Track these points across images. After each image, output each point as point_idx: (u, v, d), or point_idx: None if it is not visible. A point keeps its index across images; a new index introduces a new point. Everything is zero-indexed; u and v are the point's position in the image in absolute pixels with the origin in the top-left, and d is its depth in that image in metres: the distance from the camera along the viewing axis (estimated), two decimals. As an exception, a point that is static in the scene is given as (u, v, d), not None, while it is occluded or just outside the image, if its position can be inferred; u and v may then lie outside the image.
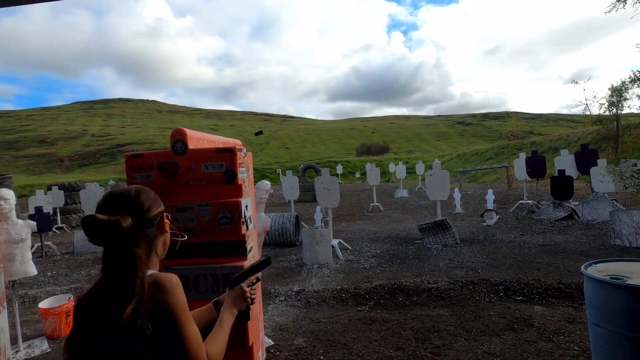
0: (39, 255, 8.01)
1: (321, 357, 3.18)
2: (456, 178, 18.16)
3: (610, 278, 2.06)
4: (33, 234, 3.82)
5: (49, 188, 11.83)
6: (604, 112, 17.91)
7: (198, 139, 2.12)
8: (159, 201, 1.10)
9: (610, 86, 17.31)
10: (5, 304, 3.06)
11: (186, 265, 2.00)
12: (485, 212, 8.64)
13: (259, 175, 26.38)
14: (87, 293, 0.98)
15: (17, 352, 3.51)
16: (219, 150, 1.95)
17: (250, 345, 2.01)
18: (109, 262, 0.97)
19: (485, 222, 8.35)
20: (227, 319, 1.16)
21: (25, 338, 3.88)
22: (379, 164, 24.69)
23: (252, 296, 1.25)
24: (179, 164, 1.96)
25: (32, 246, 6.15)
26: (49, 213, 8.08)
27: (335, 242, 6.56)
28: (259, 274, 1.24)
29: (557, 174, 8.63)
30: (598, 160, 8.35)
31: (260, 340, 2.38)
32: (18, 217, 3.79)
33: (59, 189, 11.28)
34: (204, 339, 1.04)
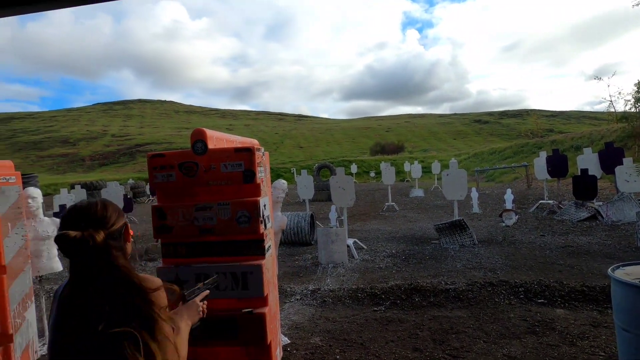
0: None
1: (337, 357, 3.18)
2: (473, 177, 17.83)
3: (640, 281, 1.99)
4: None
5: (72, 187, 12.23)
6: (630, 109, 17.23)
7: (217, 138, 2.14)
8: (122, 212, 1.16)
9: (637, 82, 16.64)
10: (33, 299, 3.18)
11: (206, 263, 2.03)
12: (503, 212, 8.45)
13: (274, 174, 26.57)
14: (74, 296, 1.02)
15: (44, 344, 3.65)
16: (238, 150, 1.97)
17: (268, 343, 2.03)
18: (84, 271, 1.02)
19: (504, 222, 8.17)
20: (184, 330, 1.23)
21: (52, 331, 4.02)
22: (394, 163, 24.45)
23: (205, 310, 1.33)
24: (199, 163, 1.99)
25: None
26: (72, 211, 8.32)
27: (350, 241, 6.55)
28: (208, 291, 1.35)
29: (579, 173, 8.36)
30: (624, 159, 8.04)
31: (277, 338, 2.40)
32: (44, 215, 3.93)
33: (82, 187, 11.65)
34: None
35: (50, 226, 3.72)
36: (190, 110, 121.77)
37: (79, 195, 11.16)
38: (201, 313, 1.30)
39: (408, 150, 52.67)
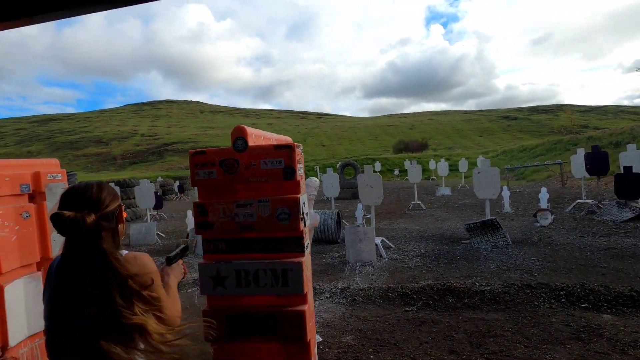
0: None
1: (371, 357, 3.14)
2: (503, 175, 17.21)
3: None
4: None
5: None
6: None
7: (256, 136, 2.15)
8: (117, 195, 1.24)
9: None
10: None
11: (246, 260, 2.04)
12: (538, 211, 8.09)
13: (297, 172, 26.64)
14: (62, 272, 1.12)
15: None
16: (278, 147, 1.97)
17: (308, 340, 2.02)
18: (77, 250, 1.11)
19: (538, 222, 7.83)
20: (174, 286, 1.39)
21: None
22: (419, 161, 24.00)
23: (186, 271, 1.53)
24: (240, 160, 2.00)
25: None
26: (108, 207, 8.69)
27: (378, 240, 6.47)
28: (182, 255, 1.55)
29: (622, 171, 7.88)
30: (673, 156, 7.50)
31: (315, 336, 2.39)
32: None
33: (115, 185, 12.15)
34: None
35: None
36: (215, 110, 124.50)
37: (113, 193, 11.63)
38: (183, 273, 1.49)
39: (432, 148, 51.61)
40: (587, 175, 9.65)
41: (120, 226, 1.24)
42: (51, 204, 3.34)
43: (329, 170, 10.33)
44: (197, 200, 2.13)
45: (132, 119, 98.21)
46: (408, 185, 19.92)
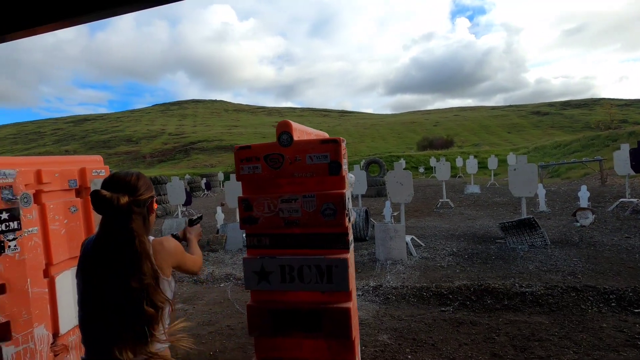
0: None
1: (409, 357, 3.08)
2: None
3: None
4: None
5: (139, 181, 13.24)
6: None
7: (299, 130, 2.13)
8: (152, 187, 1.35)
9: None
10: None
11: (291, 256, 2.03)
12: (578, 210, 7.69)
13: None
14: (94, 249, 1.24)
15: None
16: (324, 142, 1.94)
17: (353, 339, 1.99)
18: (109, 228, 1.22)
19: (578, 222, 7.44)
20: (195, 244, 1.61)
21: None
22: (448, 158, 23.43)
23: (201, 232, 1.76)
24: (285, 155, 1.98)
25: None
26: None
27: (408, 238, 6.34)
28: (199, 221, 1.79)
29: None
30: None
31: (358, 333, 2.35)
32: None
33: (147, 182, 12.60)
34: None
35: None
36: (239, 109, 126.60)
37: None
38: (200, 234, 1.73)
39: (457, 145, 50.30)
40: (632, 172, 9.07)
41: (151, 216, 1.34)
42: (96, 199, 3.47)
43: (356, 167, 10.23)
44: (239, 195, 2.13)
45: (160, 119, 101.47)
46: (434, 182, 19.48)
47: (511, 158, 19.85)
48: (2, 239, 2.65)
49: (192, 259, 1.46)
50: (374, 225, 6.99)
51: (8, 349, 2.68)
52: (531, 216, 6.38)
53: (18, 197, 2.76)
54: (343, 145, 1.99)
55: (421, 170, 26.25)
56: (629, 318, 3.42)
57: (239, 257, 6.71)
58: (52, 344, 3.02)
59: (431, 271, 5.30)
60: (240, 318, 4.05)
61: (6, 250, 2.67)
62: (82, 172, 3.39)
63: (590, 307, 3.67)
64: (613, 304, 3.69)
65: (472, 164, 15.15)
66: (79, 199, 3.40)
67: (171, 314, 1.33)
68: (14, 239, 2.72)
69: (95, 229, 3.35)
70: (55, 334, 3.07)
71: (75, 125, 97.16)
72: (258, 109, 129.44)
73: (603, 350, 2.93)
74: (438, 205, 11.44)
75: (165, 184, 12.99)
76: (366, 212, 7.65)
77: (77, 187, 3.37)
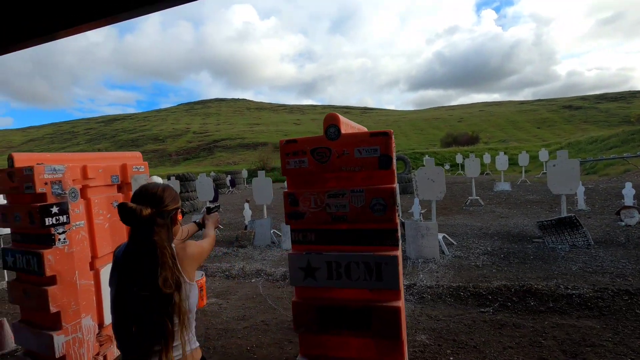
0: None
1: (450, 358, 2.97)
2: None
3: None
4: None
5: (168, 178, 13.60)
6: None
7: (345, 124, 2.07)
8: (177, 198, 1.41)
9: None
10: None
11: (338, 252, 1.98)
12: (622, 209, 7.24)
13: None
14: (126, 256, 1.30)
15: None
16: (374, 135, 1.87)
17: (402, 338, 1.92)
18: (134, 238, 1.29)
19: (623, 221, 7.01)
20: (212, 231, 1.72)
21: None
22: (478, 155, 22.76)
23: (219, 220, 1.87)
24: (332, 149, 1.93)
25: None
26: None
27: (439, 236, 6.18)
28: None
29: None
30: None
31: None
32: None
33: (176, 179, 12.90)
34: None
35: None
36: (261, 107, 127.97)
37: (173, 186, 12.40)
38: (217, 221, 1.84)
39: (483, 141, 48.79)
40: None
41: (175, 227, 1.38)
42: (136, 194, 3.55)
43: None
44: (286, 190, 2.10)
45: (185, 118, 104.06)
46: (460, 180, 18.96)
47: (543, 154, 19.03)
48: (52, 232, 2.75)
49: (207, 249, 1.51)
50: (402, 224, 6.85)
51: (59, 338, 2.78)
52: (573, 214, 6.06)
53: (67, 192, 2.86)
54: (393, 138, 1.92)
55: (447, 167, 25.62)
56: (692, 325, 3.17)
57: (267, 253, 6.75)
58: (97, 334, 3.12)
59: (466, 270, 5.13)
60: (274, 314, 4.06)
61: (56, 243, 2.77)
62: (124, 168, 3.47)
63: (646, 312, 3.43)
64: (672, 309, 3.43)
65: (502, 161, 14.62)
66: (120, 194, 3.49)
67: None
68: (63, 232, 2.81)
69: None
70: (100, 324, 3.17)
71: (106, 125, 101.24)
72: (279, 107, 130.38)
73: (665, 359, 2.72)
74: (467, 203, 11.11)
75: (192, 181, 13.28)
76: (395, 209, 7.51)
77: (119, 182, 3.45)
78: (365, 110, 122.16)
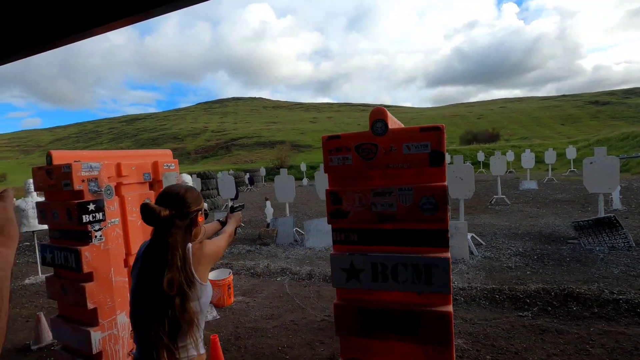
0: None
1: (491, 364, 2.84)
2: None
3: None
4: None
5: (190, 176, 13.81)
6: None
7: (390, 118, 1.97)
8: (200, 200, 1.41)
9: None
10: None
11: (384, 253, 1.89)
12: (664, 209, 6.84)
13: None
14: (145, 253, 1.33)
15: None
16: (424, 129, 1.77)
17: (452, 346, 1.81)
18: (154, 238, 1.31)
19: (665, 222, 6.62)
20: (232, 229, 1.71)
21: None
22: (494, 153, 22.13)
23: (241, 219, 1.89)
24: (378, 145, 1.84)
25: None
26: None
27: (468, 236, 5.98)
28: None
29: None
30: None
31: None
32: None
33: (197, 176, 13.07)
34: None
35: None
36: (277, 106, 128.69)
37: (195, 184, 12.57)
38: (240, 220, 1.86)
39: (504, 138, 47.51)
40: None
41: (195, 228, 1.38)
42: (167, 192, 3.55)
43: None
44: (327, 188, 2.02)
45: (203, 117, 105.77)
46: (483, 178, 18.49)
47: (571, 151, 18.32)
48: (89, 229, 2.77)
49: (223, 246, 1.52)
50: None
51: (95, 334, 2.80)
52: (612, 214, 5.75)
53: (102, 189, 2.87)
54: (445, 133, 1.81)
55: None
56: None
57: (291, 252, 6.72)
58: (132, 331, 3.14)
59: (498, 272, 4.94)
60: (303, 313, 4.00)
61: (93, 240, 2.78)
62: (155, 166, 3.47)
63: (703, 320, 3.19)
64: None
65: (528, 158, 14.13)
66: (152, 191, 3.49)
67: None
68: (99, 230, 2.82)
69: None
70: (134, 321, 3.18)
71: (128, 124, 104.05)
72: (295, 105, 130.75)
73: None
74: (492, 202, 10.78)
75: (213, 179, 13.41)
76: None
77: (151, 180, 3.46)
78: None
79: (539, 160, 20.42)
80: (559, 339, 3.14)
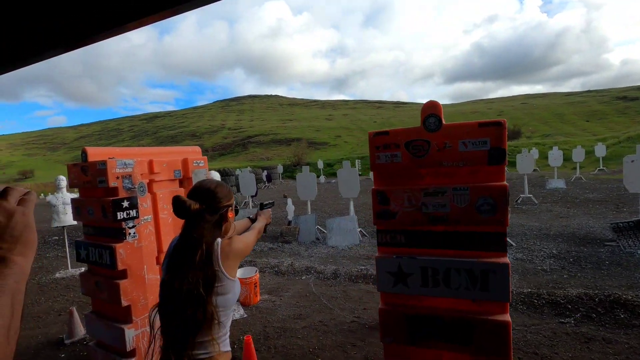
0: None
1: (536, 374, 2.68)
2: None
3: None
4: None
5: (210, 173, 13.96)
6: None
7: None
8: (231, 195, 1.41)
9: None
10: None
11: (435, 256, 1.77)
12: None
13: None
14: (174, 248, 1.33)
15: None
16: (483, 125, 1.64)
17: (510, 357, 1.69)
18: (183, 232, 1.31)
19: None
20: (261, 225, 1.70)
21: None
22: (516, 150, 21.47)
23: (270, 216, 1.86)
24: (431, 141, 1.72)
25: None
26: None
27: (498, 237, 5.76)
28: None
29: None
30: None
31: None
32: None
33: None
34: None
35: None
36: (293, 103, 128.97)
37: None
38: (269, 217, 1.83)
39: (525, 135, 46.10)
40: None
41: (225, 224, 1.37)
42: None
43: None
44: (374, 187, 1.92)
45: (221, 114, 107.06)
46: (507, 176, 17.93)
47: (600, 149, 17.58)
48: (123, 226, 2.76)
49: (252, 242, 1.51)
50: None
51: (129, 332, 2.79)
52: (655, 216, 5.43)
53: (136, 186, 2.85)
54: (506, 129, 1.68)
55: (488, 163, 24.36)
56: None
57: (314, 250, 6.65)
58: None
59: (532, 275, 4.73)
60: (331, 314, 3.92)
61: (127, 237, 2.77)
62: (185, 163, 3.45)
63: None
64: None
65: (556, 156, 13.60)
66: (182, 188, 3.47)
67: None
68: (133, 227, 2.81)
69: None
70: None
71: (148, 122, 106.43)
72: (311, 103, 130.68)
73: None
74: (519, 201, 10.42)
75: (231, 176, 13.50)
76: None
77: (181, 177, 3.44)
78: (399, 104, 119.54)
79: (566, 158, 19.70)
80: (607, 349, 2.95)
